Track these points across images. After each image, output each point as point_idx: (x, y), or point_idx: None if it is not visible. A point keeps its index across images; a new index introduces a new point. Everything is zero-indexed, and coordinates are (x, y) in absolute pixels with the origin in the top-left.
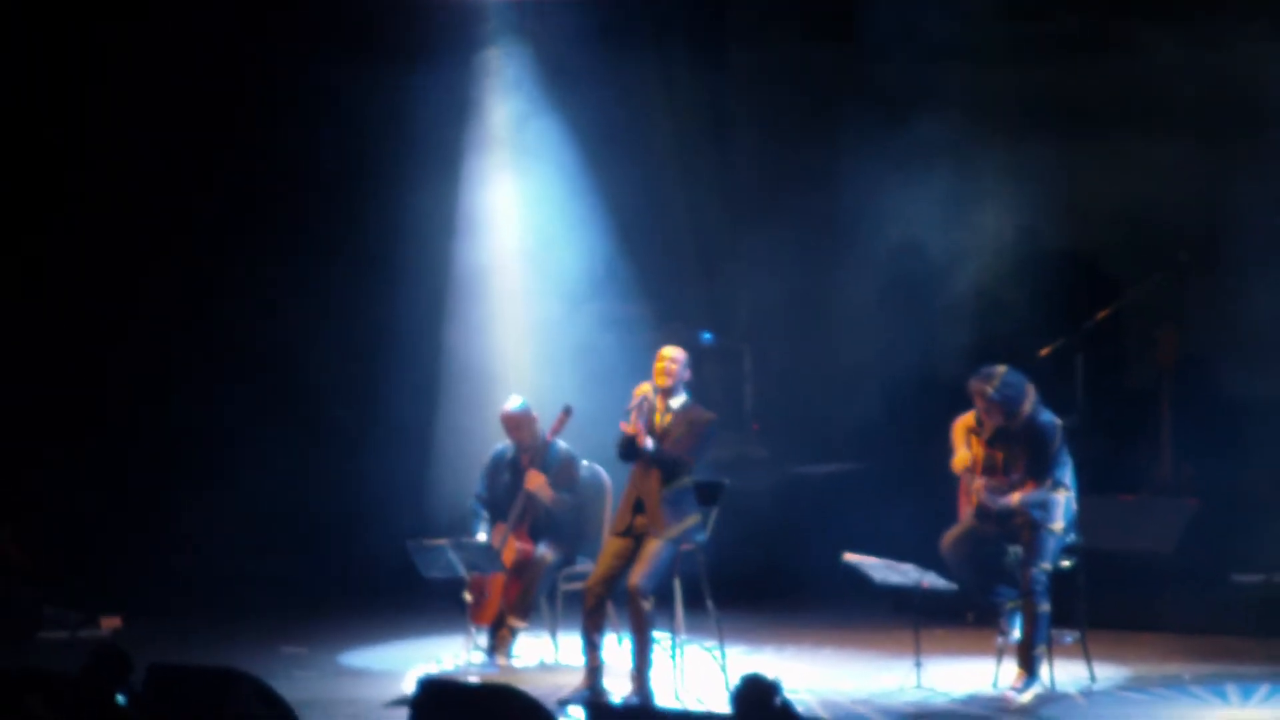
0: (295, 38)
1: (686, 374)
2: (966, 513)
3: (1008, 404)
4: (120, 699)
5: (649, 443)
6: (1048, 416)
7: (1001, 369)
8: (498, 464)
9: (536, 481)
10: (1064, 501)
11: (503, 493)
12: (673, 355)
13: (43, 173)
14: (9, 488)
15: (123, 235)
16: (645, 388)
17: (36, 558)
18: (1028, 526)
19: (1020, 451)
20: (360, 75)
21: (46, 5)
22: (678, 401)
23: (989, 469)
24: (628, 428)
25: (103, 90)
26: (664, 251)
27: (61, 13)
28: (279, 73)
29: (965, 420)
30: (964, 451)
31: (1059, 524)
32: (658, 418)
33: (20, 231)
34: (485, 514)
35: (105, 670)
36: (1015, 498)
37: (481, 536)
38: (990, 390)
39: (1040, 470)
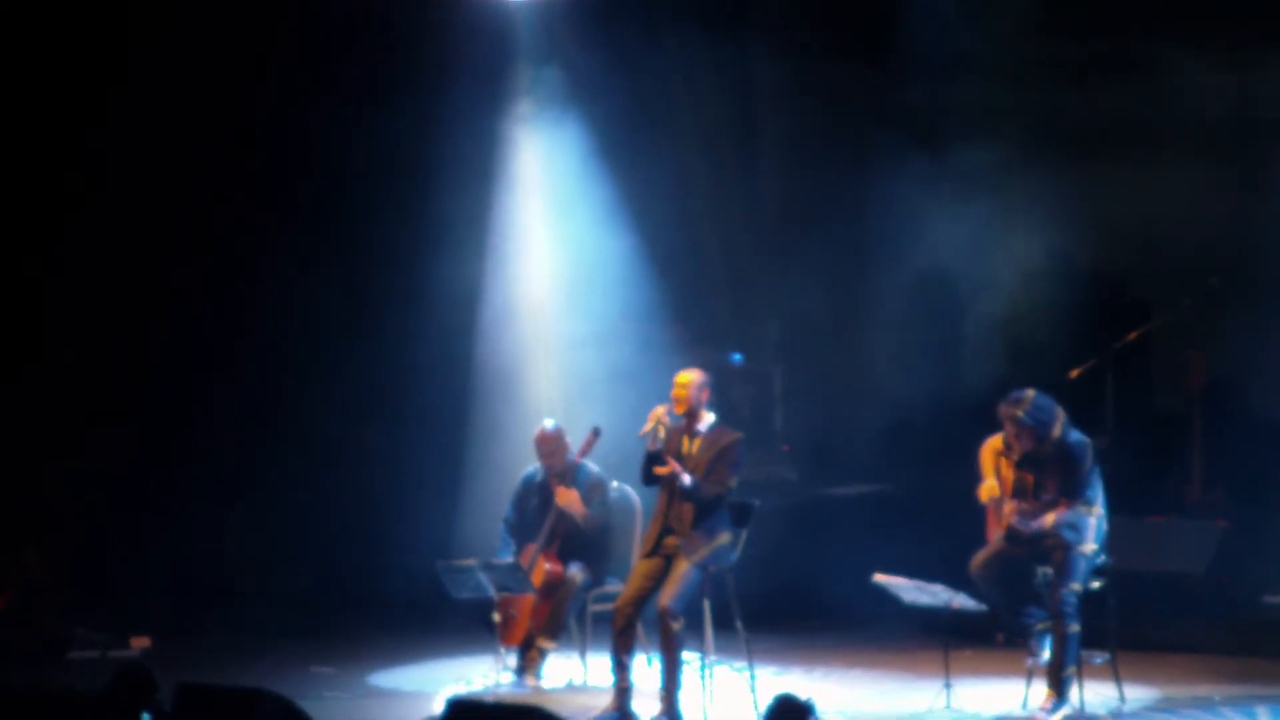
0: (324, 63)
1: (705, 395)
2: (996, 535)
3: (1038, 427)
4: (146, 718)
5: (686, 479)
6: (1078, 436)
7: (1031, 393)
8: (527, 488)
9: (568, 497)
10: (1095, 522)
11: (531, 517)
12: (686, 381)
13: (59, 195)
14: (33, 507)
15: (145, 255)
16: (659, 411)
17: (62, 577)
18: (1059, 548)
19: (1051, 472)
20: (391, 98)
21: (74, 12)
22: (704, 424)
23: (1019, 492)
24: (662, 469)
25: (125, 111)
26: (694, 274)
27: (88, 21)
28: (310, 95)
29: (993, 443)
30: (991, 481)
31: (1090, 545)
32: (685, 444)
33: (37, 255)
34: (512, 542)
35: (130, 690)
36: (1049, 520)
37: (505, 561)
38: (1020, 414)
39: (1072, 490)
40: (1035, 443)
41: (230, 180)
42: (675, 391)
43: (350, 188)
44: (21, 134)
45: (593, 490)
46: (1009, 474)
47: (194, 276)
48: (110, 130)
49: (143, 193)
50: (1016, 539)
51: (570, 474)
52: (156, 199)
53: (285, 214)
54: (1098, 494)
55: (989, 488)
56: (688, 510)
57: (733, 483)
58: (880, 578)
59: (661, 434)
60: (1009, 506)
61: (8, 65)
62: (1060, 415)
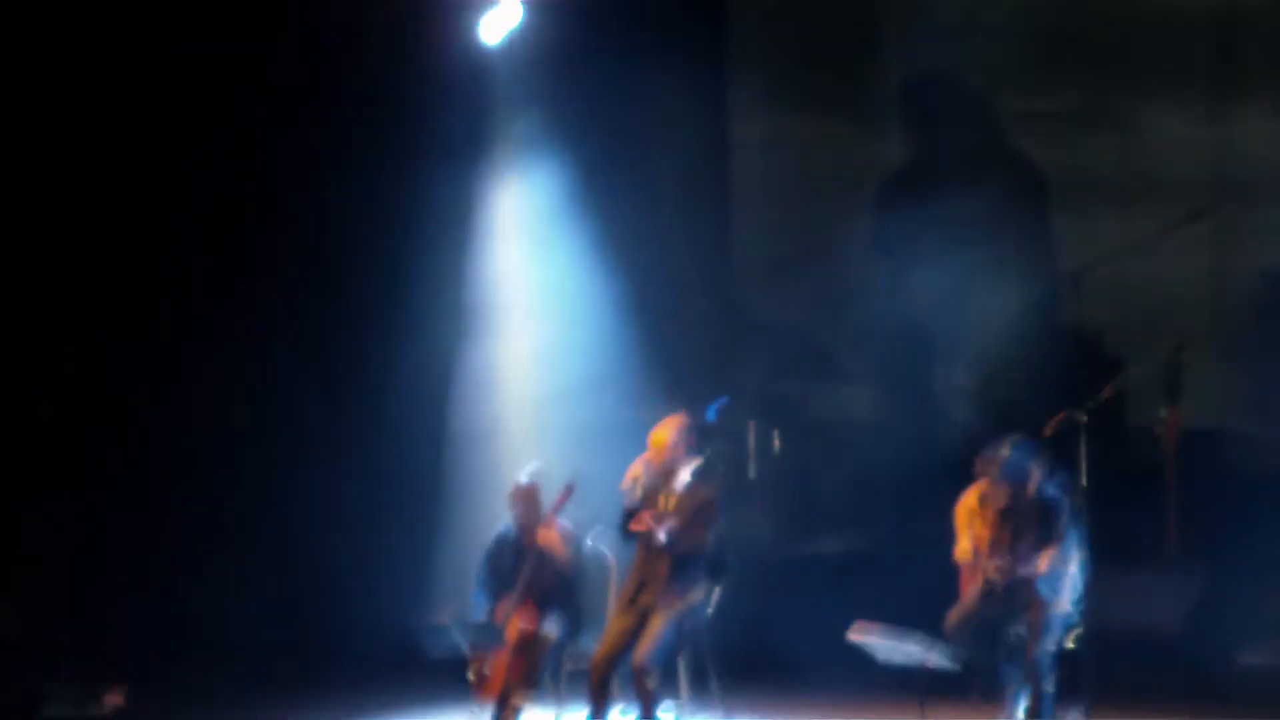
0: (307, 99)
1: (680, 450)
2: (970, 592)
3: (1016, 482)
4: None
5: (662, 535)
6: (1055, 490)
7: (1007, 447)
8: (501, 545)
9: (548, 537)
10: (1070, 580)
11: (506, 573)
12: (660, 443)
13: (58, 215)
14: (4, 553)
15: (126, 290)
16: (637, 469)
17: (35, 633)
18: (1034, 606)
19: (1029, 527)
20: (366, 148)
21: (76, 27)
22: (681, 480)
23: (996, 546)
24: (637, 525)
25: (119, 140)
26: (670, 327)
27: (89, 38)
28: (282, 147)
29: (968, 501)
30: (965, 542)
31: (1065, 604)
32: (661, 500)
33: (23, 283)
34: (486, 599)
35: None
36: (1043, 563)
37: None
38: (996, 469)
39: (1051, 542)
40: (1013, 496)
41: (202, 232)
42: (649, 454)
43: (324, 241)
44: (20, 137)
45: (568, 542)
46: (984, 531)
47: (160, 335)
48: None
49: (133, 221)
50: (991, 597)
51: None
52: (141, 242)
53: (259, 268)
54: (1073, 549)
55: (964, 550)
56: (664, 564)
57: (709, 538)
58: (856, 636)
59: (638, 492)
60: (993, 564)
61: (7, 73)
62: (1037, 468)
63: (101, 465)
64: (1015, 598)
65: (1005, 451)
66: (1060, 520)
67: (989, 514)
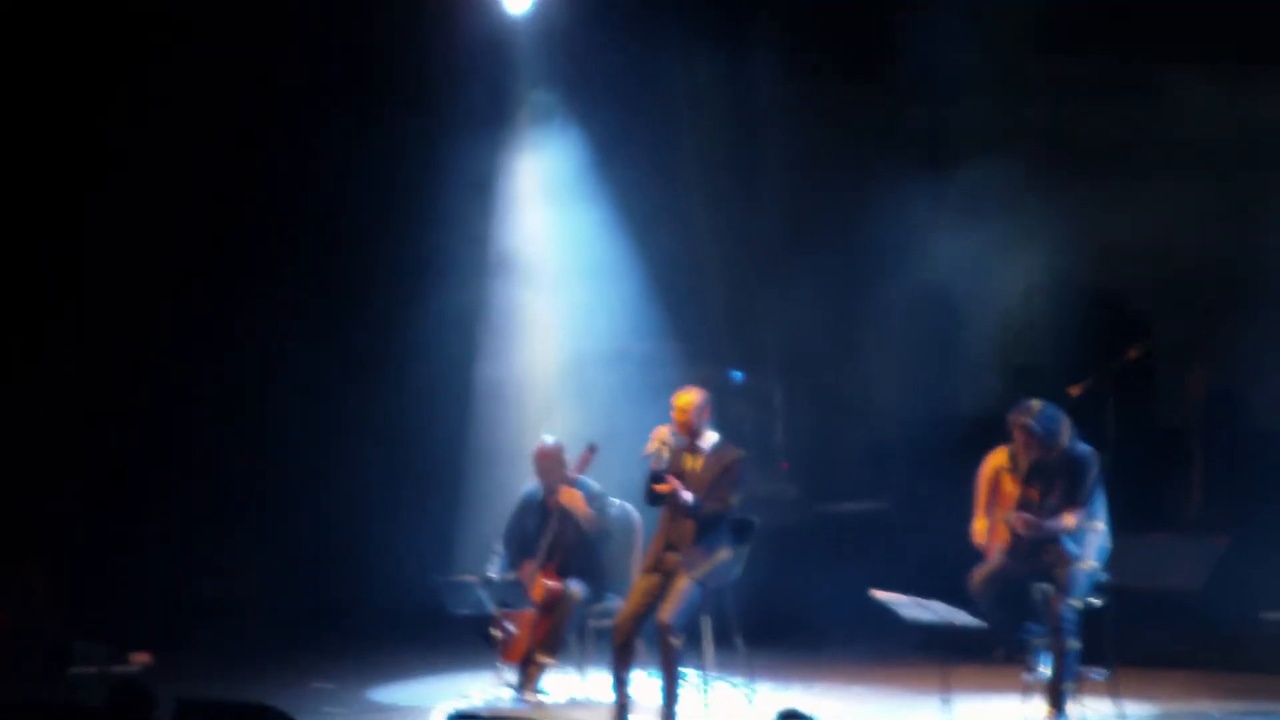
0: (323, 86)
1: (705, 415)
2: (995, 551)
3: (1047, 436)
4: None
5: (688, 497)
6: (1084, 447)
7: (1037, 402)
8: (526, 505)
9: (572, 495)
10: (1096, 538)
11: (530, 534)
12: (685, 404)
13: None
14: (32, 519)
15: (145, 261)
16: (662, 433)
17: (62, 592)
18: (1060, 563)
19: (1058, 484)
20: (392, 119)
21: (81, 29)
22: (707, 443)
23: (1024, 507)
24: (663, 487)
25: (129, 118)
26: (694, 291)
27: (94, 41)
28: (310, 116)
29: (995, 459)
30: (982, 522)
31: (1091, 561)
32: (689, 462)
33: (43, 255)
34: (510, 559)
35: (129, 705)
36: (1069, 519)
37: (492, 575)
38: (1030, 421)
39: (1077, 499)
40: (1043, 451)
41: (230, 200)
42: (675, 414)
43: (350, 208)
44: (21, 136)
45: (591, 503)
46: (1013, 489)
47: (194, 291)
48: (111, 148)
49: (139, 216)
50: (1018, 553)
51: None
52: (153, 219)
53: (286, 234)
54: (1100, 509)
55: (980, 530)
56: (689, 527)
57: (734, 501)
58: (879, 594)
59: (665, 454)
60: (1022, 517)
61: (10, 72)
62: (1067, 425)
63: (129, 428)
64: (1040, 555)
65: (1037, 405)
66: (1088, 478)
67: (1018, 472)
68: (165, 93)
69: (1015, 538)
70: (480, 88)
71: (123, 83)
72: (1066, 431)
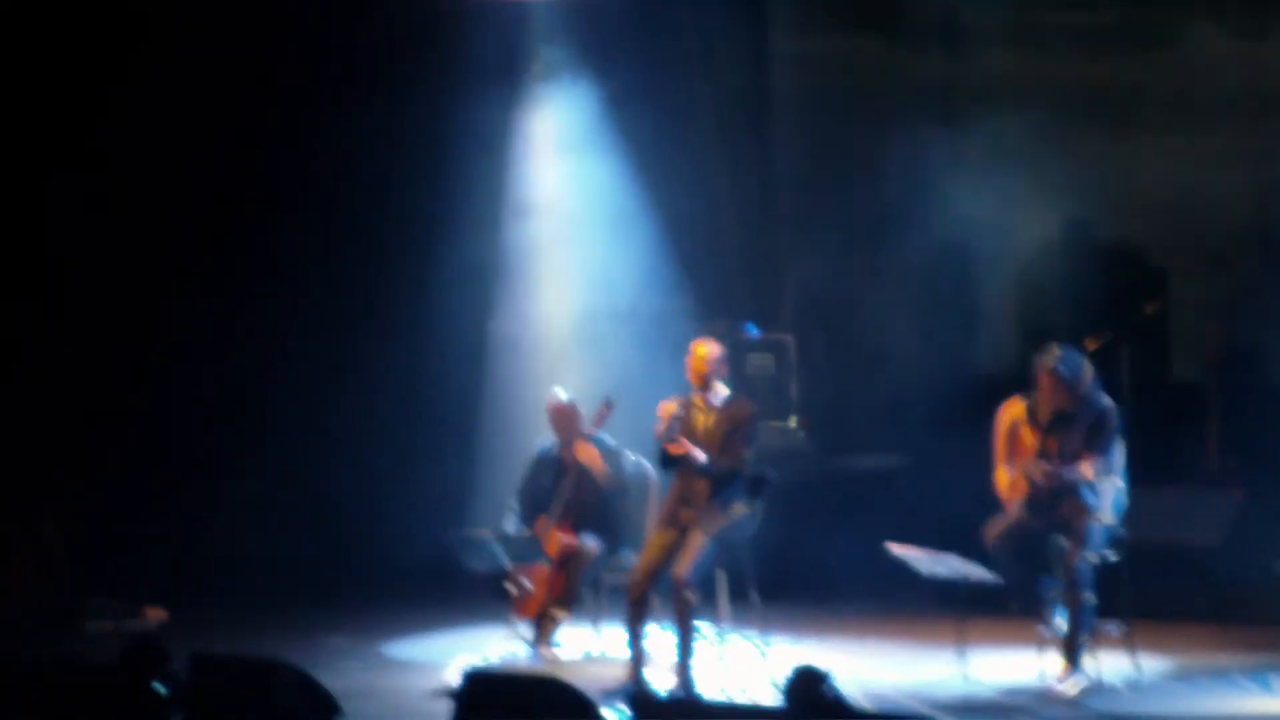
0: (336, 35)
1: (723, 369)
2: (1011, 504)
3: (1073, 379)
4: (160, 688)
5: (700, 457)
6: (1106, 399)
7: (1057, 348)
8: (541, 460)
9: (588, 452)
10: (1113, 492)
11: (545, 489)
12: (703, 354)
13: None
14: (48, 475)
15: (159, 222)
16: (670, 408)
17: (78, 546)
18: (1077, 515)
19: (1077, 434)
20: (406, 69)
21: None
22: (718, 398)
23: (1043, 458)
24: (675, 449)
25: (132, 88)
26: (708, 244)
27: (85, 22)
28: (323, 67)
29: (1011, 411)
30: (1005, 474)
31: (1107, 514)
32: (700, 418)
33: (54, 219)
34: (524, 514)
35: (142, 661)
36: (1086, 468)
37: (507, 530)
38: (1058, 365)
39: (1097, 446)
40: (1068, 396)
41: (245, 145)
42: (692, 363)
43: (364, 158)
44: (19, 132)
45: (607, 458)
46: (1031, 441)
47: (205, 249)
48: (118, 106)
49: (156, 156)
50: (1036, 506)
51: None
52: (170, 162)
53: (298, 191)
54: (1118, 463)
55: (1006, 485)
56: (703, 484)
57: (747, 455)
58: (895, 548)
59: (678, 425)
60: (1040, 468)
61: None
62: (1089, 368)
63: (142, 383)
64: (1058, 507)
65: (1058, 350)
66: (1108, 429)
67: (1038, 423)
68: (170, 47)
69: (1034, 490)
70: (493, 41)
71: (124, 43)
72: (1089, 375)
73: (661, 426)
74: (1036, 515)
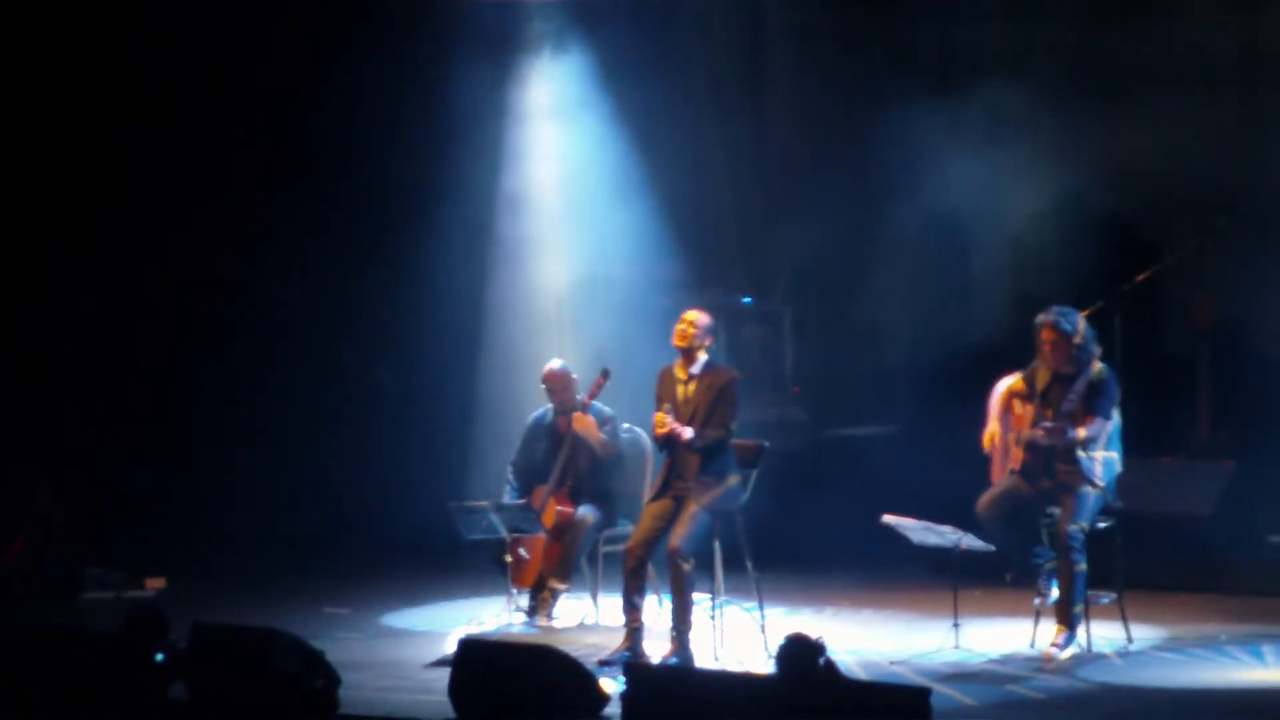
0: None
1: (708, 339)
2: (1003, 474)
3: (1071, 330)
4: (159, 657)
5: (688, 433)
6: (1105, 366)
7: (1055, 308)
8: (536, 430)
9: (585, 423)
10: (1106, 461)
11: (541, 459)
12: (692, 319)
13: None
14: (46, 445)
15: (153, 198)
16: (662, 417)
17: (78, 516)
18: (1072, 480)
19: (1076, 396)
20: (401, 42)
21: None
22: (697, 366)
23: (1041, 420)
24: (662, 428)
25: (128, 77)
26: (704, 215)
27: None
28: (317, 47)
29: (1011, 384)
30: (994, 426)
31: (1100, 482)
32: (679, 389)
33: (53, 201)
34: (515, 483)
35: (142, 630)
36: (1082, 432)
37: (505, 500)
38: (1056, 317)
39: (1098, 407)
40: (1066, 351)
41: (245, 121)
42: (682, 326)
43: (363, 129)
44: (18, 127)
45: (603, 427)
46: (1027, 412)
47: (202, 222)
48: (114, 99)
49: (157, 139)
50: (1031, 472)
51: (582, 411)
52: (169, 146)
53: (295, 161)
54: (1112, 431)
55: (991, 434)
56: (694, 457)
57: (734, 424)
58: (889, 518)
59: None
60: (1040, 429)
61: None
62: (1085, 326)
63: (142, 356)
64: (1053, 473)
65: (1057, 310)
66: (1108, 390)
67: (1034, 390)
68: (161, 33)
69: (1029, 457)
70: (488, 12)
71: (116, 29)
72: (1085, 330)
73: (660, 432)
74: (1029, 484)
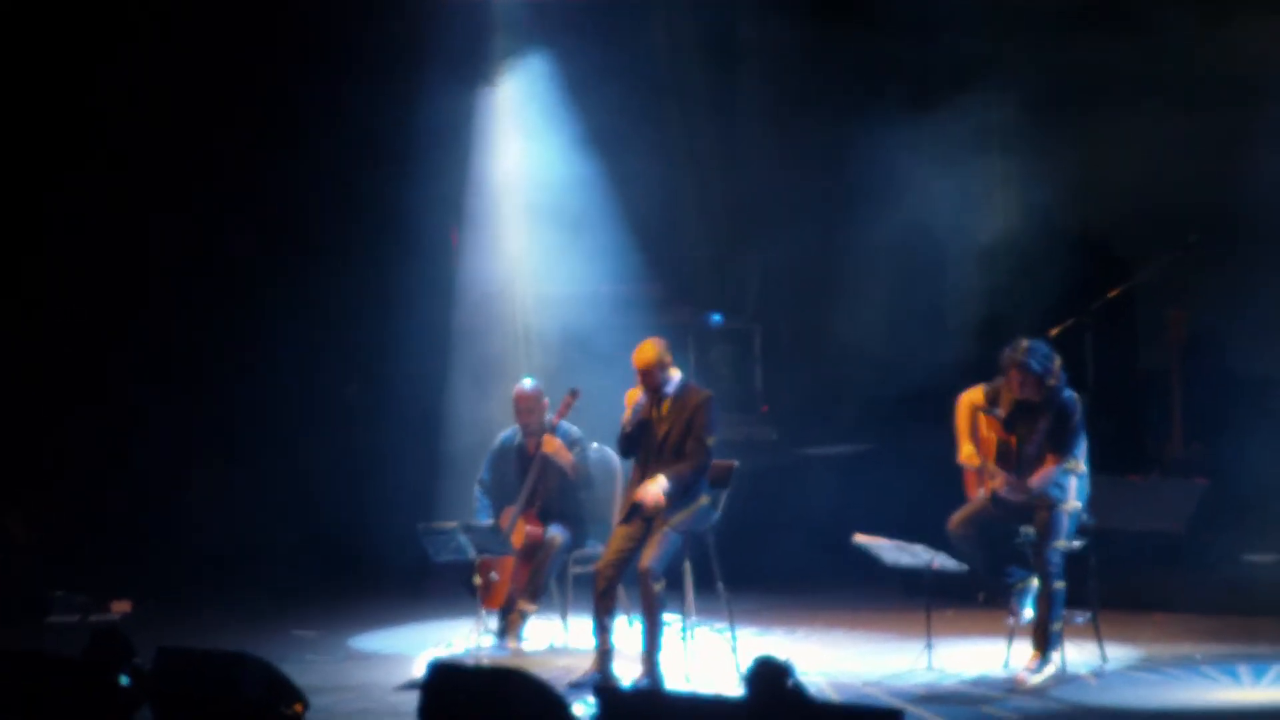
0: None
1: (668, 360)
2: (976, 494)
3: (1044, 372)
4: (124, 681)
5: (657, 494)
6: (1069, 393)
7: (1025, 340)
8: (504, 450)
9: (554, 444)
10: (1078, 480)
11: (509, 479)
12: (646, 366)
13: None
14: (17, 469)
15: (130, 215)
16: (634, 395)
17: (45, 539)
18: (1044, 507)
19: (1040, 428)
20: (369, 53)
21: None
22: (670, 386)
23: (1003, 455)
24: (629, 507)
25: (109, 93)
26: (673, 233)
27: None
28: (293, 58)
29: (972, 397)
30: (969, 446)
31: (1074, 503)
32: (653, 412)
33: (30, 211)
34: (488, 504)
35: (107, 653)
36: (1034, 482)
37: (474, 522)
38: (1027, 359)
39: (1061, 446)
40: (1037, 388)
41: (217, 140)
42: (639, 378)
43: (330, 152)
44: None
45: (572, 448)
46: (990, 434)
47: (175, 244)
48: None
49: (134, 153)
50: (1002, 504)
51: (550, 433)
52: (144, 164)
53: (266, 189)
54: (1082, 451)
55: (969, 454)
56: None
57: (711, 440)
58: (861, 538)
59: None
60: (999, 479)
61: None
62: (1058, 361)
63: (113, 381)
64: (1025, 505)
65: (1026, 343)
66: (1072, 424)
67: (998, 415)
68: (141, 44)
69: (997, 494)
70: (457, 29)
71: (101, 36)
72: (1059, 367)
73: (627, 414)
74: (1001, 505)
